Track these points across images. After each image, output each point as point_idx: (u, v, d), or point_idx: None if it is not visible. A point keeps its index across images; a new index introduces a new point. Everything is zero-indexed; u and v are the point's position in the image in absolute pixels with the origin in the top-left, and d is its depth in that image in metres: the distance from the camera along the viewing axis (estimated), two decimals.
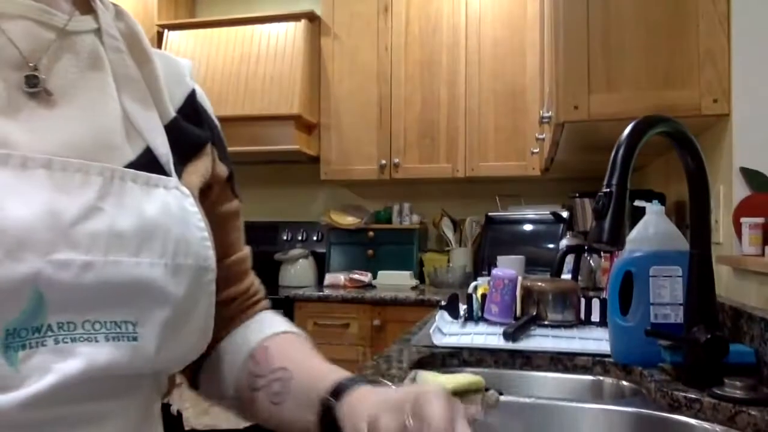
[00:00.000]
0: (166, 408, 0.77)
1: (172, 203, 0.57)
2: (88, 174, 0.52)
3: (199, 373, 0.70)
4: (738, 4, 1.32)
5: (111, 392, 0.52)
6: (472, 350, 1.25)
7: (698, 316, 0.96)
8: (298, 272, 3.24)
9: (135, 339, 0.51)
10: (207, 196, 0.66)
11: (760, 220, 1.20)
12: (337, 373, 0.59)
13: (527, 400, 1.02)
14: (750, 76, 1.31)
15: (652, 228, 1.12)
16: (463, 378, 0.76)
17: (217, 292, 0.61)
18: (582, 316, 1.48)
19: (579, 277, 1.99)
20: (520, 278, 1.53)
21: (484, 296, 1.54)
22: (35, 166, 0.49)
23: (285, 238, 3.46)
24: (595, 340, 1.29)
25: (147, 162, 0.57)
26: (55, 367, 0.47)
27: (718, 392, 0.88)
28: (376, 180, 3.17)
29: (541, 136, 2.47)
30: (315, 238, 3.43)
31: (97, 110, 0.56)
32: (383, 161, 3.12)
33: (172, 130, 0.62)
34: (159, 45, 3.26)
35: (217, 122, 0.71)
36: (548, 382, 1.20)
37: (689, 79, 1.35)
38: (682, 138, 0.97)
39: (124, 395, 0.53)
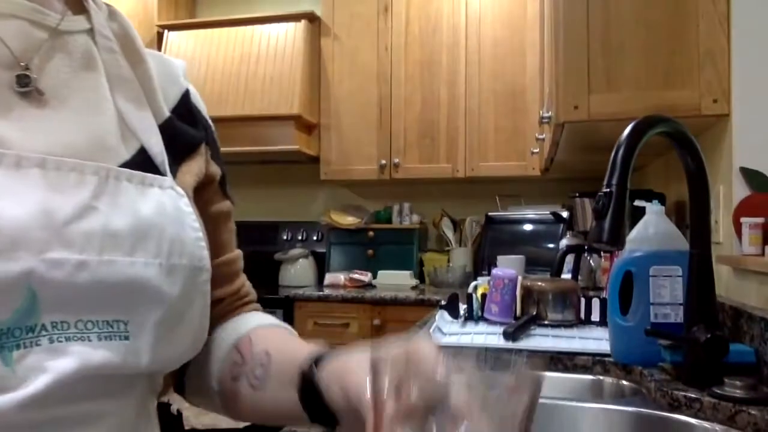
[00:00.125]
0: (166, 407, 0.76)
1: (167, 203, 0.57)
2: (83, 173, 0.51)
3: (185, 374, 0.69)
4: (738, 4, 1.32)
5: (106, 392, 0.51)
6: None
7: (698, 315, 0.96)
8: (298, 272, 3.24)
9: (127, 338, 0.51)
10: (200, 196, 0.66)
11: (760, 220, 1.20)
12: (318, 347, 0.57)
13: None
14: (750, 76, 1.30)
15: (652, 228, 1.12)
16: None
17: None
18: (582, 315, 1.48)
19: (579, 277, 1.98)
20: (520, 278, 1.53)
21: (484, 296, 1.54)
22: (29, 165, 0.49)
23: (285, 237, 3.46)
24: (595, 340, 1.29)
25: (141, 162, 0.57)
26: (50, 366, 0.47)
27: (718, 392, 0.87)
28: (376, 180, 3.17)
29: (541, 136, 2.47)
30: (315, 237, 3.43)
31: (91, 110, 0.56)
32: (383, 161, 3.11)
33: (166, 129, 0.61)
34: (159, 45, 3.26)
35: (210, 122, 0.71)
36: (548, 381, 1.20)
37: (689, 79, 1.35)
38: (682, 138, 0.97)
39: (119, 395, 0.53)
